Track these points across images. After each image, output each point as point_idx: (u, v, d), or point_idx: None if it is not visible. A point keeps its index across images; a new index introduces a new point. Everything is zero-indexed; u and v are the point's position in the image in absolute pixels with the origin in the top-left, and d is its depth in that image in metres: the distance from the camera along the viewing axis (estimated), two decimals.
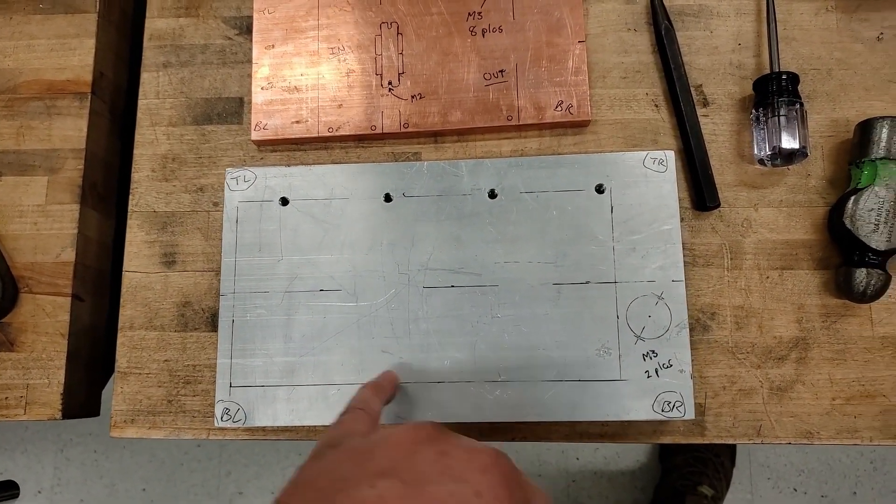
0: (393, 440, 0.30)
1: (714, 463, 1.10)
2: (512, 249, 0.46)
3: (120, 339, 0.50)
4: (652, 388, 0.44)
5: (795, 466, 1.19)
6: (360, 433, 0.36)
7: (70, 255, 0.51)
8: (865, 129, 0.47)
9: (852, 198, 0.46)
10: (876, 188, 0.45)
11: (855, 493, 1.17)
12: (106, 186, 0.56)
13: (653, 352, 0.44)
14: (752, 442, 0.47)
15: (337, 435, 0.35)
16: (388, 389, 0.44)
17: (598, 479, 1.19)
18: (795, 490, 1.18)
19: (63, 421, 0.50)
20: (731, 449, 1.15)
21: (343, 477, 0.28)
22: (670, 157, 0.47)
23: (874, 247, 0.45)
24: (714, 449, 1.11)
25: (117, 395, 0.50)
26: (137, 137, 0.53)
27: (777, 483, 1.18)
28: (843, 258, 0.47)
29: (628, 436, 0.47)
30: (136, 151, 0.53)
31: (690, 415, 0.44)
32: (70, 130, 0.53)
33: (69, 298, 0.50)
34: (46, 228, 0.51)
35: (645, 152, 0.47)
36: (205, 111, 0.53)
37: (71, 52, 0.54)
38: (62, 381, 0.49)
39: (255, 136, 0.51)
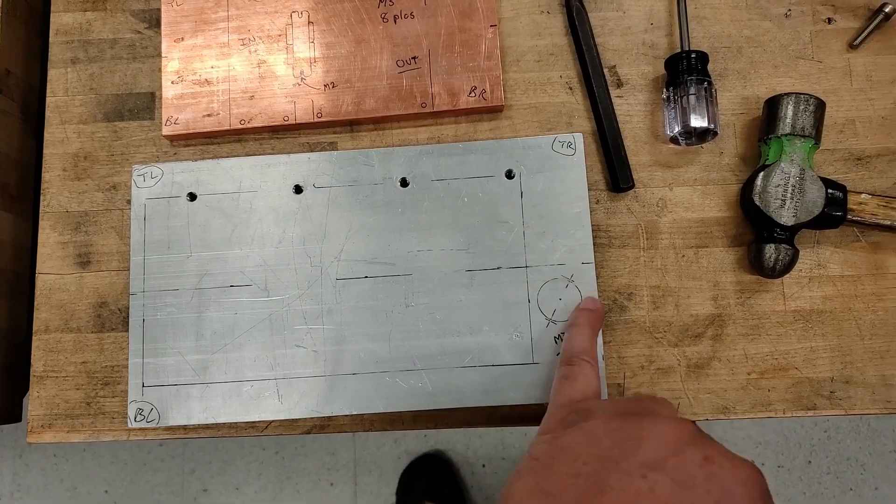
0: (657, 431, 0.30)
1: None
2: (425, 237, 0.46)
3: (35, 343, 0.49)
4: None
5: (753, 439, 1.21)
6: (595, 391, 0.37)
7: None
8: (771, 106, 0.47)
9: (760, 174, 0.46)
10: (782, 164, 0.46)
11: (810, 461, 1.20)
12: (20, 187, 0.55)
13: (564, 334, 0.45)
14: None
15: (578, 397, 0.36)
16: (601, 326, 0.44)
17: None
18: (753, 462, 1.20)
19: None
20: None
21: (612, 457, 0.29)
22: (578, 139, 0.47)
23: (782, 222, 0.45)
24: None
25: (34, 399, 0.49)
26: (47, 136, 0.52)
27: None
28: (755, 234, 0.48)
29: None
30: (45, 150, 0.52)
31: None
32: None
33: None
34: None
35: (553, 136, 0.47)
36: (116, 107, 0.52)
37: None
38: None
39: (165, 131, 0.50)
